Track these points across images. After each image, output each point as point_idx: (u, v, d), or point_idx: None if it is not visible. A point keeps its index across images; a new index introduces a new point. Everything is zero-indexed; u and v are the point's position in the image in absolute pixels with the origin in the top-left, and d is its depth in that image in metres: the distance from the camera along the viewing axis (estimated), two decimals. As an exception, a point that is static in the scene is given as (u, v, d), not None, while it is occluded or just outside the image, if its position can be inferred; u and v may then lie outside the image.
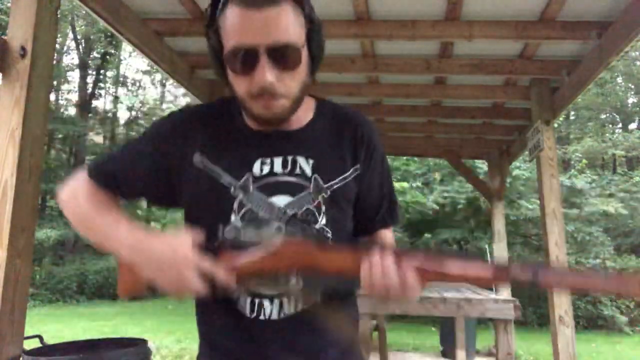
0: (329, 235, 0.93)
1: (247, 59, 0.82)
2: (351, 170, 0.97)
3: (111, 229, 0.88)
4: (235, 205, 0.89)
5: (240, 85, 0.86)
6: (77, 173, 0.97)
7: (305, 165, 0.93)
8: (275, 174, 0.91)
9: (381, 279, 0.77)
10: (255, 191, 0.90)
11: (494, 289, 5.27)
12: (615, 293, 0.77)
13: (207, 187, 0.91)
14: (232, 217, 0.89)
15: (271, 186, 0.90)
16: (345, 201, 0.96)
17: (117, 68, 19.48)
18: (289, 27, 0.82)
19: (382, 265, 0.77)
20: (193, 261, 0.79)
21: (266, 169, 0.91)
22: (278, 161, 0.92)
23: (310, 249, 0.82)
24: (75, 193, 0.95)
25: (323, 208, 0.92)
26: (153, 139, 0.97)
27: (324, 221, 0.92)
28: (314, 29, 0.87)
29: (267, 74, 0.81)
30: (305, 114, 0.96)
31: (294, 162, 0.93)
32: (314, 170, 0.93)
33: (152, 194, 0.99)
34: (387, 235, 1.06)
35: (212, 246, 0.87)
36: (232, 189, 0.90)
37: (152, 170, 0.95)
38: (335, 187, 0.94)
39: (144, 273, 0.82)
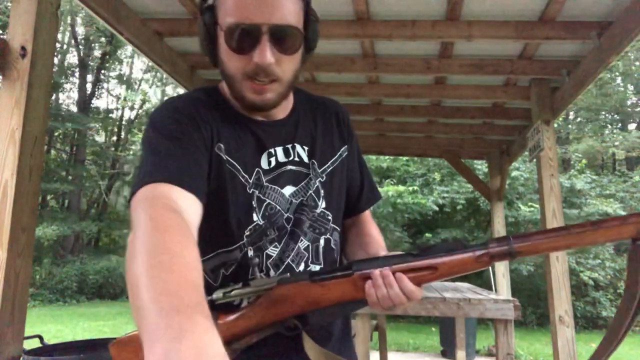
0: (330, 217, 0.97)
1: (248, 37, 0.79)
2: (340, 151, 1.02)
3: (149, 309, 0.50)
4: (255, 203, 0.89)
5: (234, 64, 0.83)
6: (132, 206, 0.69)
7: (302, 152, 0.96)
8: (282, 164, 0.93)
9: (387, 296, 0.79)
10: (269, 184, 0.91)
11: (494, 288, 5.27)
12: (610, 241, 0.78)
13: (230, 181, 0.88)
14: (254, 216, 0.89)
15: (279, 178, 0.92)
16: (339, 182, 1.00)
17: (131, 66, 19.47)
18: (292, 9, 0.81)
19: (384, 284, 0.79)
20: None
21: (273, 162, 0.92)
22: (280, 150, 0.93)
23: (306, 287, 0.81)
24: (136, 231, 0.62)
25: (322, 192, 0.96)
26: (185, 125, 0.84)
27: (323, 205, 0.96)
28: (311, 17, 0.86)
29: (267, 54, 0.79)
30: (287, 103, 0.97)
31: (293, 149, 0.95)
32: (309, 156, 0.96)
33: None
34: (369, 218, 1.09)
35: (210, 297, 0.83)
36: (247, 187, 0.90)
37: (206, 156, 0.85)
38: (328, 170, 0.98)
39: None
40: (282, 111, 0.95)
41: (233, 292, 0.82)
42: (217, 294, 0.82)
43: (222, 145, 0.87)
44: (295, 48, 0.83)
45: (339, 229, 1.00)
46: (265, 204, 0.90)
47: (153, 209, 0.66)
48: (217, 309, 0.83)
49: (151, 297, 0.49)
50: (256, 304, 0.82)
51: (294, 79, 0.88)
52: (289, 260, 0.91)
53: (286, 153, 0.94)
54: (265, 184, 0.90)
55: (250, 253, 0.87)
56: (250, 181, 0.90)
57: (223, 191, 0.87)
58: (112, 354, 0.79)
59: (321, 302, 0.81)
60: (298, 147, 0.95)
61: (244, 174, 0.89)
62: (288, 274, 0.86)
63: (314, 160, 0.96)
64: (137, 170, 0.85)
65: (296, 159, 0.94)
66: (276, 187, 0.91)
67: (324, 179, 0.97)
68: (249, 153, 0.90)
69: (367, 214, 1.09)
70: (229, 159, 0.88)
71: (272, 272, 0.89)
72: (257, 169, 0.90)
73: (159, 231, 0.60)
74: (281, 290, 0.81)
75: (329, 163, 0.99)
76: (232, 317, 0.82)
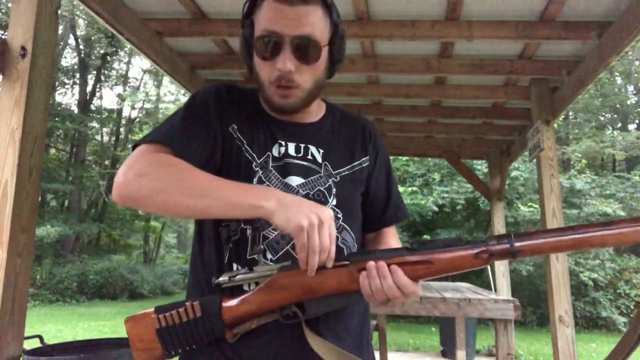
0: (340, 215, 0.99)
1: (272, 45, 0.90)
2: (360, 161, 1.07)
3: (231, 185, 0.85)
4: (255, 181, 0.96)
5: (262, 71, 0.94)
6: (135, 152, 0.90)
7: (316, 153, 1.02)
8: (290, 156, 1.00)
9: (380, 288, 0.80)
10: (273, 169, 0.98)
11: (493, 288, 5.27)
12: (620, 244, 0.75)
13: (235, 154, 0.98)
14: None
15: (286, 167, 0.98)
16: (354, 187, 1.04)
17: (128, 65, 19.46)
18: (315, 24, 0.91)
19: (378, 276, 0.81)
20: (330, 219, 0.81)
21: (282, 151, 1.00)
22: (291, 146, 1.01)
23: (303, 275, 0.82)
24: (150, 163, 0.87)
25: (334, 190, 1.00)
26: (206, 104, 0.99)
27: (334, 202, 0.99)
28: (338, 34, 0.97)
29: (287, 62, 0.90)
30: (318, 112, 1.08)
31: (306, 149, 1.02)
32: (324, 159, 1.02)
33: (210, 160, 0.97)
34: (392, 232, 1.12)
35: (210, 287, 0.89)
36: (254, 164, 0.97)
37: (211, 134, 0.97)
38: (343, 173, 1.03)
39: (287, 219, 0.79)
40: (309, 117, 1.05)
41: (237, 277, 0.86)
42: (223, 278, 0.86)
43: (235, 126, 1.00)
44: (315, 59, 0.93)
45: (350, 230, 1.01)
46: (264, 185, 0.95)
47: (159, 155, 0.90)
48: (223, 292, 0.87)
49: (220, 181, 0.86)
50: (257, 290, 0.85)
51: (315, 88, 0.97)
52: (288, 247, 0.93)
53: (297, 150, 1.01)
54: (270, 167, 0.98)
55: (249, 231, 0.92)
56: (258, 161, 0.98)
57: (227, 162, 0.98)
58: (127, 328, 0.86)
59: (318, 291, 0.82)
60: (312, 148, 1.02)
61: (250, 151, 0.98)
62: (290, 262, 0.87)
63: (327, 163, 1.02)
64: (164, 121, 0.98)
65: (309, 157, 1.01)
66: (278, 174, 0.97)
67: (338, 179, 1.01)
68: (261, 139, 1.00)
69: (391, 230, 1.12)
70: (239, 136, 0.99)
71: (269, 255, 0.92)
72: (268, 153, 0.99)
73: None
74: (279, 277, 0.83)
75: (344, 168, 1.03)
76: (234, 301, 0.85)
